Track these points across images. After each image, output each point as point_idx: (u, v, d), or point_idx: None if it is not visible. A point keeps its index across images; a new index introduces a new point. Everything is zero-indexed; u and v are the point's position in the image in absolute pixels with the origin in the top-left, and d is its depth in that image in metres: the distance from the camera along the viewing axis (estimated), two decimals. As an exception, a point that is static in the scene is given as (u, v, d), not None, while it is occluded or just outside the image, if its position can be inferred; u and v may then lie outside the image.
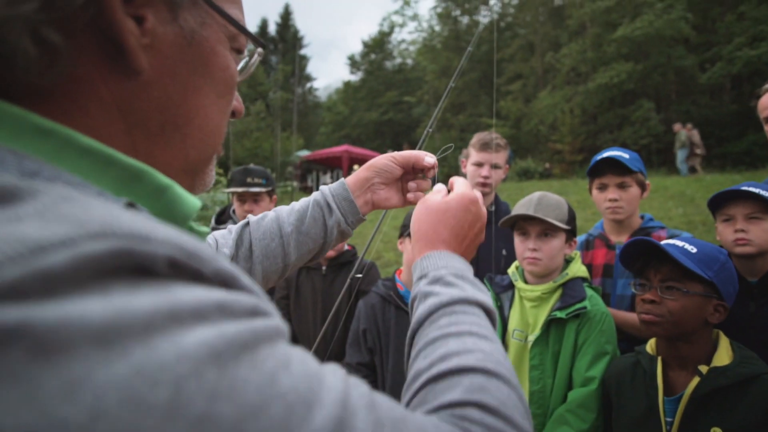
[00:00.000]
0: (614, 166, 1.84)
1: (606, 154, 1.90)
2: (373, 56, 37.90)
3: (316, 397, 0.30)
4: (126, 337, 0.23)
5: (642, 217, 1.95)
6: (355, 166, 22.23)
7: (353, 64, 38.85)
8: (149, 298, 0.25)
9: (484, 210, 0.74)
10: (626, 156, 1.86)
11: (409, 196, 0.89)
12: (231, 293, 0.30)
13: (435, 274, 0.62)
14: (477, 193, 0.75)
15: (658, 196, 9.23)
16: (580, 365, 1.52)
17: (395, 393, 1.97)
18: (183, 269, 0.29)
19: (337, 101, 39.93)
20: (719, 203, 1.65)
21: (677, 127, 15.44)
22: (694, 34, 21.36)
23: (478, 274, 2.17)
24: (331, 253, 2.21)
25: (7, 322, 0.21)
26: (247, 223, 0.87)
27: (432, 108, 29.24)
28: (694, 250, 1.29)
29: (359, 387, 0.35)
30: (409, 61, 37.65)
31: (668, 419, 1.23)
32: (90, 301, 0.24)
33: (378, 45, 37.76)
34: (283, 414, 0.27)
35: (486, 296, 0.60)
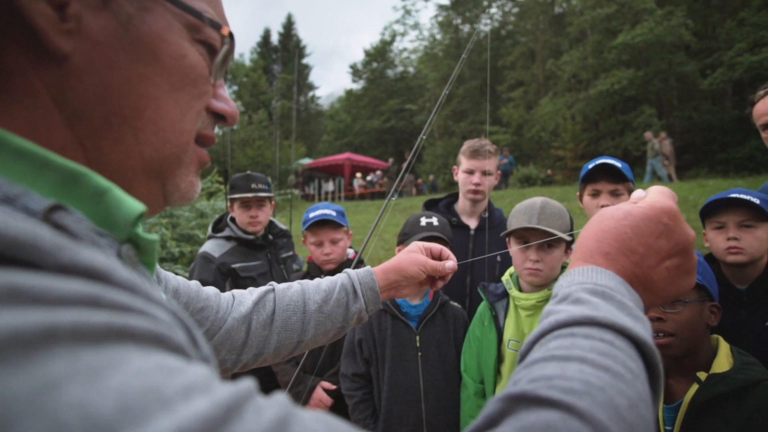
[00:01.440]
0: (608, 173, 1.85)
1: (599, 161, 1.91)
2: (374, 65, 38.14)
3: (128, 424, 0.21)
4: None
5: None
6: (358, 175, 22.34)
7: (355, 72, 39.10)
8: None
9: (689, 230, 0.53)
10: (619, 165, 1.87)
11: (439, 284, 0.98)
12: (59, 280, 0.25)
13: (565, 291, 0.48)
14: (676, 209, 0.53)
15: (661, 202, 9.15)
16: None
17: (392, 404, 1.94)
18: (2, 260, 0.24)
19: (339, 109, 40.15)
20: (709, 210, 1.63)
21: (648, 135, 15.62)
22: (695, 40, 21.41)
23: (473, 281, 2.17)
24: (331, 266, 2.20)
25: None
26: (273, 289, 0.87)
27: (433, 115, 29.24)
28: None
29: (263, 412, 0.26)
30: (411, 69, 37.86)
31: (667, 428, 1.20)
32: None
33: (380, 53, 38.01)
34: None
35: (639, 323, 0.44)
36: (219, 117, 0.51)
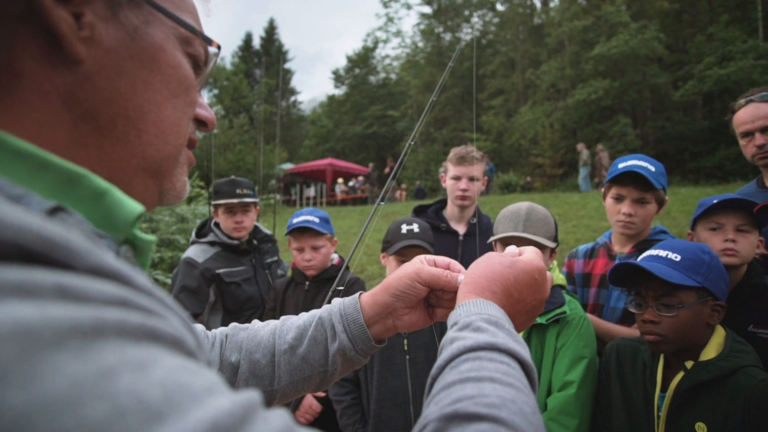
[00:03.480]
0: (637, 179, 1.70)
1: (630, 162, 1.74)
2: (357, 71, 38.26)
3: (173, 412, 0.24)
4: None
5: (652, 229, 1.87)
6: (339, 180, 22.30)
7: (337, 78, 39.14)
8: None
9: (548, 288, 0.68)
10: (652, 169, 1.71)
11: (440, 313, 0.77)
12: (95, 281, 0.27)
13: (466, 320, 0.56)
14: (548, 273, 0.68)
15: (636, 209, 9.42)
16: (559, 369, 1.52)
17: (381, 407, 1.93)
18: (42, 261, 0.26)
19: (321, 115, 40.09)
20: (707, 211, 1.64)
21: (580, 147, 16.46)
22: (667, 53, 22.20)
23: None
24: (312, 272, 2.20)
25: None
26: (246, 327, 0.78)
27: (415, 122, 29.45)
28: (678, 258, 1.27)
29: (271, 421, 0.29)
30: (393, 76, 38.12)
31: (660, 413, 1.24)
32: None
33: (362, 60, 38.16)
34: (101, 418, 0.22)
35: (523, 348, 0.54)
36: (200, 123, 0.55)
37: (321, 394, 2.07)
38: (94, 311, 0.25)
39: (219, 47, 0.54)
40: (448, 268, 0.76)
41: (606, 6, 22.26)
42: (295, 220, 2.19)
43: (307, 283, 2.22)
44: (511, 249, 0.71)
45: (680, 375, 1.20)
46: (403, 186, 20.88)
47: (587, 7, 23.64)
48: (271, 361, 0.73)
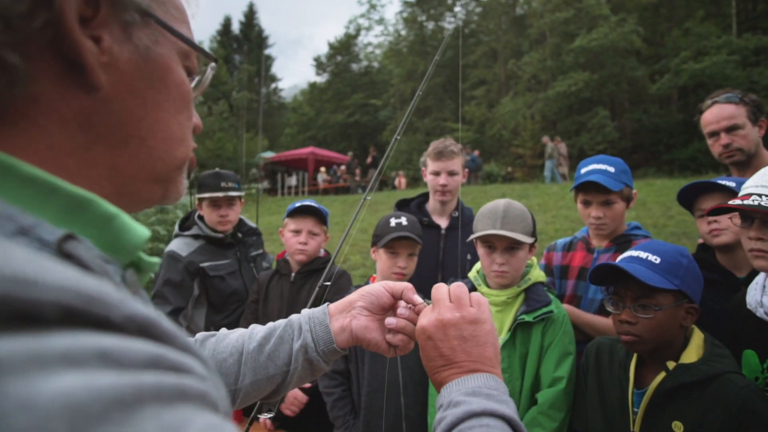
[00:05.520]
0: (598, 185, 1.77)
1: (591, 167, 1.82)
2: (339, 58, 37.78)
3: None
4: None
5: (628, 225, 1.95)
6: (322, 169, 22.12)
7: (319, 65, 38.59)
8: (17, 344, 0.23)
9: (488, 310, 0.73)
10: (611, 170, 1.78)
11: (388, 337, 0.78)
12: (131, 341, 0.28)
13: (447, 399, 0.62)
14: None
15: (613, 200, 9.64)
16: (548, 366, 1.58)
17: (372, 398, 1.96)
18: (82, 317, 0.26)
19: (302, 102, 39.55)
20: (692, 201, 1.71)
21: (545, 139, 16.87)
22: (645, 46, 22.60)
23: (444, 279, 2.24)
24: (302, 257, 2.20)
25: None
26: (214, 334, 0.80)
27: (398, 111, 29.43)
28: (658, 260, 1.30)
29: None
30: (376, 64, 37.80)
31: (635, 409, 1.29)
32: None
33: (344, 47, 37.68)
34: None
35: (504, 405, 0.59)
36: None
37: (308, 385, 2.09)
38: (134, 378, 0.26)
39: (216, 61, 0.55)
40: (401, 293, 0.81)
41: (587, -2, 22.48)
42: (298, 204, 2.24)
43: (292, 274, 2.22)
44: (423, 305, 0.77)
45: (662, 375, 1.25)
46: (401, 173, 20.72)
47: (569, -2, 23.82)
48: (238, 359, 0.75)
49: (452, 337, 0.67)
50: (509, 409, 0.59)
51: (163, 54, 0.45)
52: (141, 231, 0.41)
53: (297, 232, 2.20)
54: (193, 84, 0.53)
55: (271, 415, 1.28)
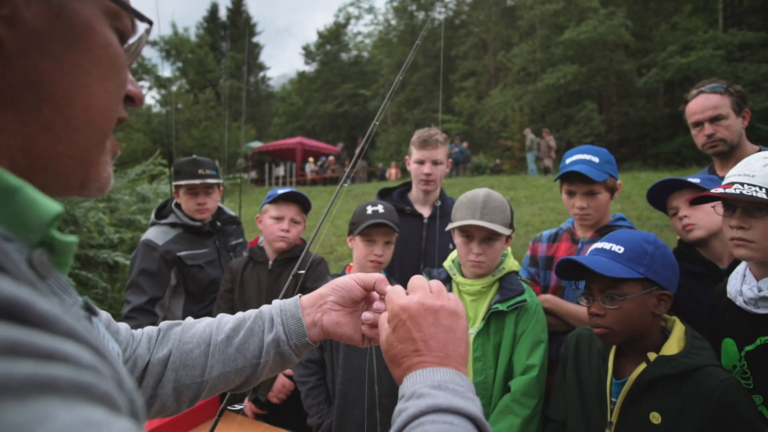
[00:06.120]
0: (582, 176, 1.77)
1: (575, 157, 1.81)
2: (328, 47, 37.39)
3: None
4: None
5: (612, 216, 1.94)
6: (310, 159, 21.97)
7: (308, 54, 38.16)
8: None
9: (463, 310, 0.70)
10: (595, 160, 1.79)
11: (364, 329, 0.77)
12: None
13: (411, 390, 0.59)
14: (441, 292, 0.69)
15: (599, 192, 9.74)
16: (520, 354, 1.58)
17: (346, 387, 1.94)
18: None
19: (291, 92, 39.12)
20: (663, 200, 1.72)
21: (527, 131, 17.26)
22: (633, 40, 22.77)
23: (425, 268, 2.22)
24: (282, 245, 2.15)
25: None
26: (180, 323, 0.77)
27: (387, 101, 29.21)
28: (621, 250, 1.29)
29: None
30: (365, 54, 37.50)
31: (613, 399, 1.29)
32: None
33: (334, 36, 37.28)
34: None
35: (470, 402, 0.55)
36: (127, 99, 0.51)
37: (290, 372, 2.06)
38: None
39: (151, 23, 0.50)
40: (374, 285, 0.78)
41: (577, -10, 22.50)
42: (280, 191, 2.17)
43: (270, 262, 2.18)
44: (398, 289, 0.71)
45: (642, 366, 1.24)
46: (393, 164, 20.62)
47: (559, -10, 23.81)
48: (205, 351, 0.73)
49: (431, 323, 0.64)
50: (475, 407, 0.55)
51: (80, 11, 0.41)
52: (50, 205, 0.36)
53: (279, 219, 2.14)
54: (126, 48, 0.47)
55: (242, 407, 1.25)
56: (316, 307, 0.77)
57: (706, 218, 1.59)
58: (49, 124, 0.40)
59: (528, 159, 16.27)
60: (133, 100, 0.51)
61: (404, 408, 0.56)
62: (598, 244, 1.35)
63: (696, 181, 1.65)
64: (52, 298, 0.31)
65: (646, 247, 1.29)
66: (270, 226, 2.15)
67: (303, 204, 2.19)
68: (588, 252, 1.38)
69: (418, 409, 0.53)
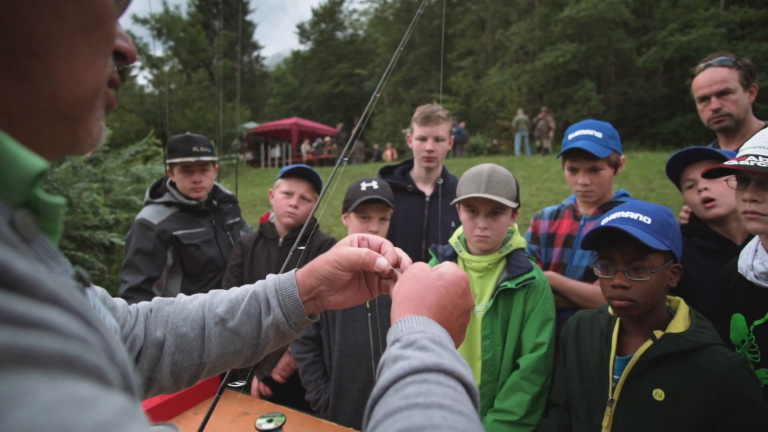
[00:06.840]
0: (584, 151, 1.73)
1: (578, 133, 1.77)
2: (323, 25, 36.66)
3: None
4: None
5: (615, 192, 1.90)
6: (306, 141, 21.76)
7: (303, 32, 37.43)
8: None
9: (472, 296, 0.68)
10: (599, 136, 1.75)
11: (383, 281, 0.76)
12: None
13: (409, 337, 0.54)
14: (467, 278, 0.69)
15: (597, 172, 9.72)
16: (530, 332, 1.57)
17: (343, 363, 1.94)
18: None
19: (286, 71, 38.48)
20: (679, 171, 1.66)
21: (519, 111, 17.17)
22: (633, 18, 22.40)
23: (427, 246, 2.19)
24: (289, 221, 2.11)
25: None
26: (172, 301, 0.75)
27: (384, 81, 28.84)
28: (649, 221, 1.25)
29: None
30: (361, 33, 36.81)
31: (615, 377, 1.28)
32: None
33: (329, 14, 36.52)
34: None
35: (467, 371, 0.52)
36: (118, 55, 0.47)
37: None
38: None
39: None
40: (380, 247, 0.75)
41: (577, -34, 22.02)
42: (295, 165, 2.15)
43: (281, 239, 2.14)
44: (423, 265, 0.69)
45: (648, 343, 1.23)
46: (389, 145, 20.42)
47: (558, -34, 23.30)
48: (201, 334, 0.71)
49: (458, 294, 0.64)
50: (471, 376, 0.52)
51: None
52: (33, 161, 0.31)
53: (289, 194, 2.10)
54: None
55: (242, 384, 1.24)
56: (312, 295, 0.75)
57: (726, 194, 1.50)
58: (26, 74, 0.35)
59: (516, 140, 16.06)
60: (124, 57, 0.47)
61: (403, 356, 0.51)
62: (623, 213, 1.29)
63: (720, 151, 1.56)
64: (37, 264, 0.28)
65: (669, 220, 1.26)
66: (280, 200, 2.11)
67: (315, 182, 2.15)
68: (607, 221, 1.32)
69: (422, 363, 0.49)
